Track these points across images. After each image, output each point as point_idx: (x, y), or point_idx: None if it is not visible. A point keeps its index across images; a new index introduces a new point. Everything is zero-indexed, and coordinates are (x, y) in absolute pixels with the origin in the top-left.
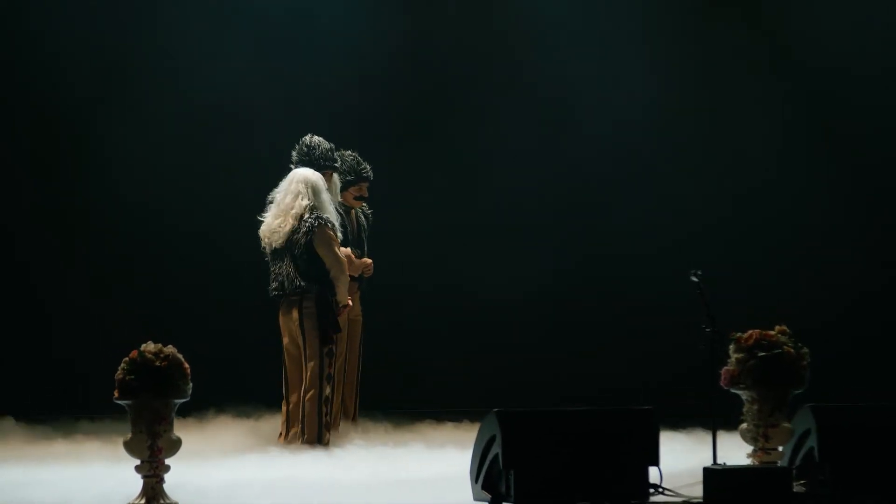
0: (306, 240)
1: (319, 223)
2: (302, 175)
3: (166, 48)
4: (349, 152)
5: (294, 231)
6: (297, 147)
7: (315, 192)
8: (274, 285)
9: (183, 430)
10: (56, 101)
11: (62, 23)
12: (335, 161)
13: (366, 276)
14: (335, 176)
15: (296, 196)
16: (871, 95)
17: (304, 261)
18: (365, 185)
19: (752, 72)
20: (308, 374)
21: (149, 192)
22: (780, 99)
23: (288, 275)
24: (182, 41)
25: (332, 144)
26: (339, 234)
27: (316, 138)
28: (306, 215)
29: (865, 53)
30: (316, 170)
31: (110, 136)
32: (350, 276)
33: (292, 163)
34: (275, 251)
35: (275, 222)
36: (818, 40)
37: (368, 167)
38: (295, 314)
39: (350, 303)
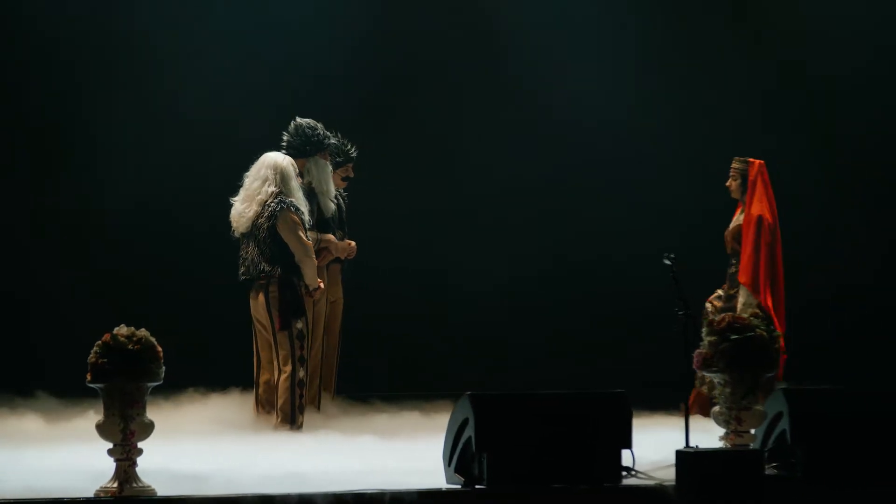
0: (269, 224)
1: (282, 207)
2: (272, 160)
3: (143, 33)
4: (332, 134)
5: (258, 216)
6: (287, 130)
7: (283, 178)
8: (241, 269)
9: (157, 411)
10: (22, 88)
11: (54, 14)
12: (326, 141)
13: (348, 258)
14: (328, 158)
15: (263, 182)
16: (860, 93)
17: (268, 245)
18: (351, 167)
19: (738, 70)
20: (280, 358)
21: (123, 178)
22: (766, 98)
23: (253, 259)
24: (153, 23)
25: (321, 125)
26: (308, 219)
27: (306, 120)
28: (270, 201)
29: (854, 52)
30: (305, 154)
31: (87, 124)
32: (336, 258)
33: (282, 145)
34: (242, 235)
35: (241, 207)
36: (806, 38)
37: (352, 147)
38: (262, 299)
39: (322, 285)
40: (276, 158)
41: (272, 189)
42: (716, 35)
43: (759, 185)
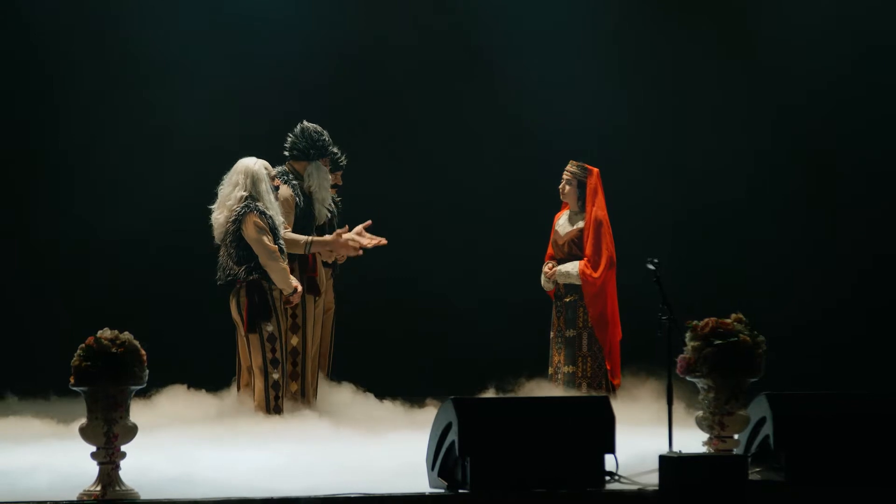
0: (234, 228)
1: (246, 211)
2: (244, 165)
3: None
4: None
5: (227, 221)
6: (293, 132)
7: (254, 181)
8: (218, 274)
9: (139, 415)
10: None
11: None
12: (329, 148)
13: (339, 262)
14: (328, 165)
15: (234, 187)
16: (839, 101)
17: (235, 249)
18: (339, 174)
19: (718, 77)
20: (252, 362)
21: (105, 182)
22: (747, 104)
23: (224, 263)
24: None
25: (327, 133)
26: (282, 221)
27: (312, 125)
28: (236, 205)
29: (835, 58)
30: (308, 158)
31: (60, 134)
32: (323, 262)
33: (286, 147)
34: (219, 240)
35: (216, 213)
36: (788, 45)
37: (343, 155)
38: (234, 304)
39: (299, 287)
40: (247, 163)
41: (241, 193)
42: (704, 41)
43: (599, 192)
